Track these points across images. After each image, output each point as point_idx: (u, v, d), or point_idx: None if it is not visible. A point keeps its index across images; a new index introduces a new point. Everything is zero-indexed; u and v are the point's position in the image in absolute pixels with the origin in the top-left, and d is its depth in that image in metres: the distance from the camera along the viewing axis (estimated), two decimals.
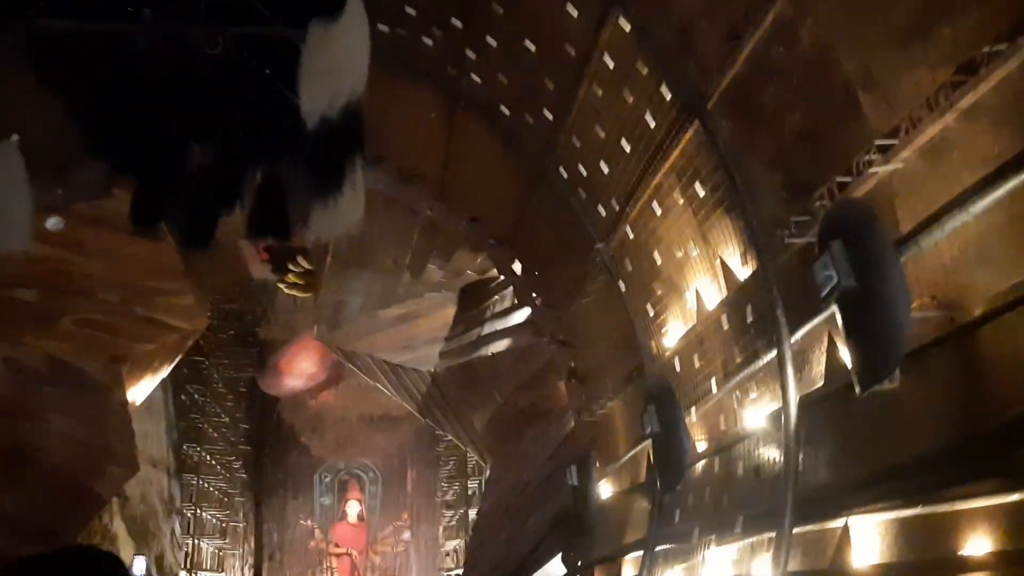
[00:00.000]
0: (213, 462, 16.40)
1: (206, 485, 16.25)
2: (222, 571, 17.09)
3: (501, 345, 9.14)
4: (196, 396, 16.22)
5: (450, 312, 10.47)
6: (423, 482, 22.16)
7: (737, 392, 4.80)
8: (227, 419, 16.81)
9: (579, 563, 7.35)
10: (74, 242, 8.42)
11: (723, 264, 4.79)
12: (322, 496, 21.87)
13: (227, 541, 17.22)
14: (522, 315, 8.69)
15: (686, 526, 5.27)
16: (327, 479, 22.08)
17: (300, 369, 13.79)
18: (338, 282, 9.54)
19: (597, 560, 6.99)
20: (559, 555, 7.68)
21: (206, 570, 16.38)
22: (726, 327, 4.85)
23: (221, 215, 7.93)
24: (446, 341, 10.43)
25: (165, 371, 11.56)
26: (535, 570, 8.09)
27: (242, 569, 18.33)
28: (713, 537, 4.80)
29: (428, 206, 7.81)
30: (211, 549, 16.65)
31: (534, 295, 7.83)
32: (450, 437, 18.08)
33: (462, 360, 10.01)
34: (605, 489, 7.13)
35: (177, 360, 11.68)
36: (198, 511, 15.99)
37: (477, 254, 8.24)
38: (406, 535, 21.77)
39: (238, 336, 16.99)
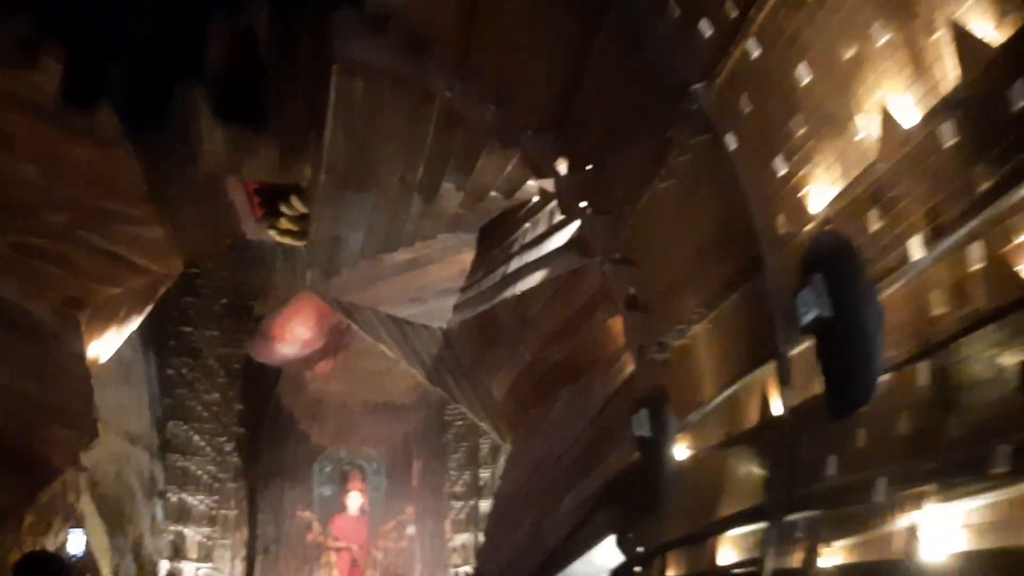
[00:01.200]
0: (203, 443, 14.33)
1: (194, 468, 14.17)
2: (210, 562, 14.94)
3: (533, 280, 6.97)
4: (184, 371, 14.20)
5: (467, 257, 8.44)
6: (429, 474, 20.08)
7: (974, 246, 2.76)
8: (218, 397, 14.73)
9: (641, 549, 5.31)
10: None
11: (955, 33, 2.76)
12: (322, 487, 19.74)
13: (216, 530, 15.11)
14: (563, 237, 6.63)
15: (853, 478, 3.24)
16: (327, 469, 19.94)
17: (295, 334, 11.50)
18: (334, 209, 7.47)
19: (672, 544, 4.93)
20: (610, 539, 5.63)
21: (192, 560, 14.26)
22: (949, 141, 2.82)
23: (176, 91, 5.97)
24: (462, 292, 8.42)
25: (133, 323, 9.46)
26: (573, 560, 6.00)
27: (233, 561, 16.20)
28: (929, 488, 2.77)
29: (445, 85, 5.81)
30: (198, 538, 14.55)
31: (583, 203, 5.81)
32: (460, 422, 16.06)
33: (482, 308, 7.89)
34: (680, 451, 5.08)
35: (148, 310, 9.50)
36: (184, 495, 13.92)
37: (507, 156, 6.16)
38: (410, 530, 19.67)
39: (232, 308, 14.94)
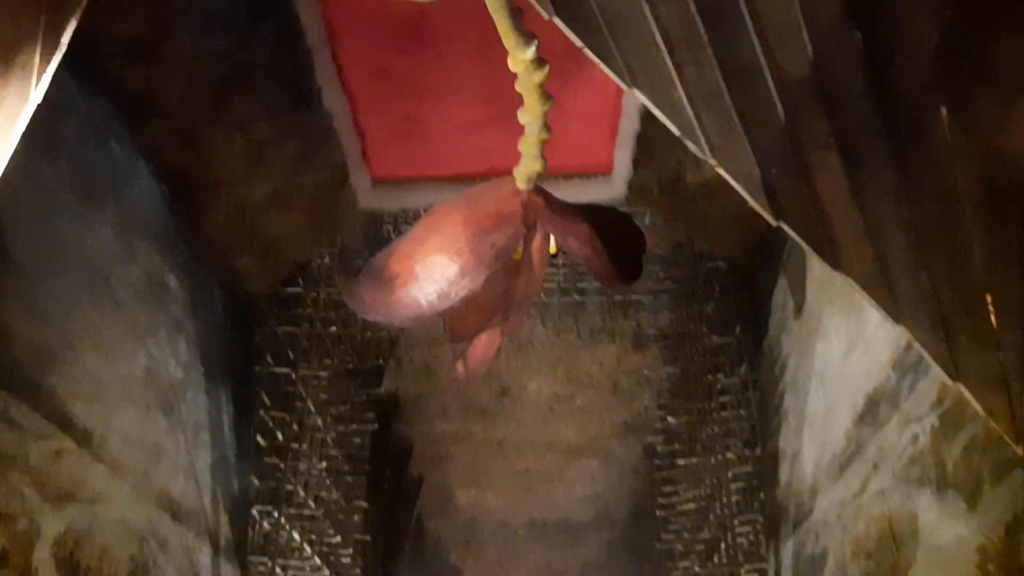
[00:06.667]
0: (308, 549, 8.28)
1: None
2: None
3: None
4: (278, 434, 8.38)
5: None
6: None
7: None
8: (331, 483, 8.72)
9: None
10: None
11: None
12: None
13: None
14: None
15: None
16: None
17: (429, 269, 4.46)
18: None
19: None
20: None
21: None
22: None
23: None
24: None
25: (28, 85, 3.10)
26: None
27: None
28: None
29: None
30: None
31: None
32: (691, 501, 8.92)
33: None
34: None
35: (54, 62, 3.13)
36: None
37: None
38: None
39: (347, 344, 9.19)
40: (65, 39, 2.86)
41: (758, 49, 2.65)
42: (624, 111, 6.68)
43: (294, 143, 7.09)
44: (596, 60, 2.78)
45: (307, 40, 6.23)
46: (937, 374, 4.15)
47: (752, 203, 2.93)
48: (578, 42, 2.76)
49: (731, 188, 7.47)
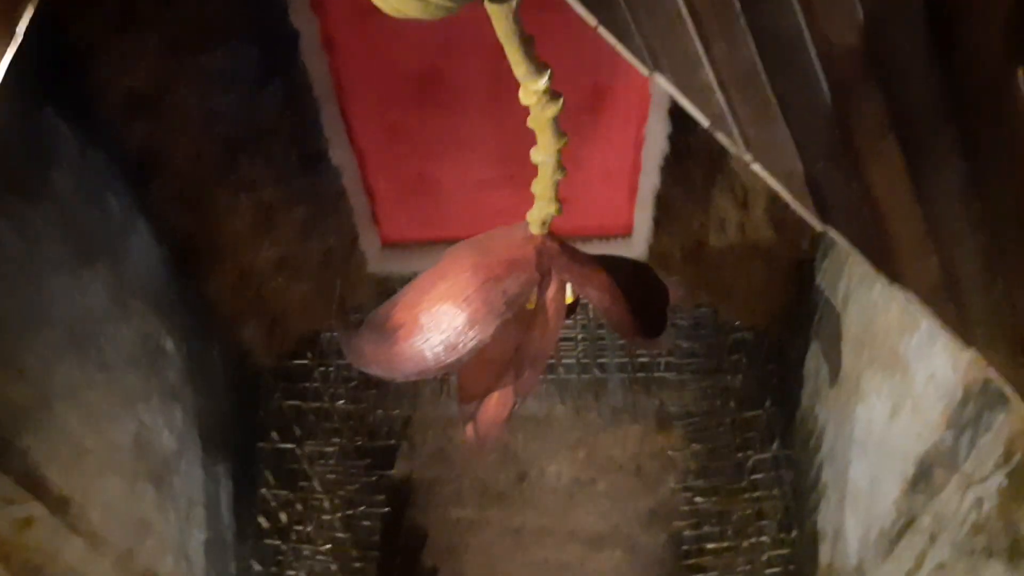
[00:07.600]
0: None
1: None
2: None
3: None
4: (282, 515, 7.81)
5: None
6: None
7: None
8: (338, 569, 8.09)
9: None
10: None
11: None
12: None
13: None
14: None
15: None
16: None
17: (435, 318, 3.78)
18: None
19: None
20: None
21: None
22: None
23: None
24: None
25: None
26: None
27: None
28: None
29: None
30: None
31: None
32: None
33: None
34: None
35: (8, 54, 2.63)
36: None
37: None
38: None
39: (356, 422, 8.69)
40: (21, 29, 2.55)
41: (800, 17, 2.28)
42: (644, 167, 6.36)
43: (302, 207, 6.79)
44: (612, 40, 2.41)
45: (315, 96, 6.00)
46: (1002, 427, 3.63)
47: (794, 205, 2.51)
48: (592, 20, 2.40)
49: (756, 253, 7.01)
